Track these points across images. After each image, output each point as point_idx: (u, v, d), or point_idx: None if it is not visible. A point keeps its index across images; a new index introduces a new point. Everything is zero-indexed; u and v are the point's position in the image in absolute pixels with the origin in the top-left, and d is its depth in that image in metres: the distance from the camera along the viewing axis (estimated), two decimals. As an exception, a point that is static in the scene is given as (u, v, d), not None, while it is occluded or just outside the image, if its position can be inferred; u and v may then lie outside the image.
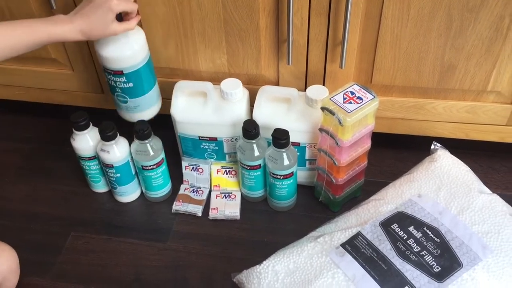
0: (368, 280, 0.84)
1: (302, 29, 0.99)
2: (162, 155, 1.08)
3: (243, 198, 1.14)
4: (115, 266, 1.03)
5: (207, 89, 1.06)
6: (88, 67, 1.15)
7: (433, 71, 1.02)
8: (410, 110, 1.09)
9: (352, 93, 0.96)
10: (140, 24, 1.05)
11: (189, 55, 1.09)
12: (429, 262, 0.85)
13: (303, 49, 1.03)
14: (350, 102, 0.94)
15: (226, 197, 1.14)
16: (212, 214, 1.11)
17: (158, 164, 1.07)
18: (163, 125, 1.16)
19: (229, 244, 1.06)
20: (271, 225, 1.10)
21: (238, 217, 1.10)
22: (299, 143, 1.06)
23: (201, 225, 1.10)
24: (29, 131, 1.35)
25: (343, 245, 0.89)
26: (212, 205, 1.12)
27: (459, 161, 1.02)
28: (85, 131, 1.06)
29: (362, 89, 0.96)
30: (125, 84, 1.03)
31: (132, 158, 1.08)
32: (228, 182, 1.16)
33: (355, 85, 0.98)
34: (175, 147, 1.18)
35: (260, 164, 1.06)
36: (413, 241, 0.88)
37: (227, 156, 1.15)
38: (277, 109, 1.06)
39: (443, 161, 1.00)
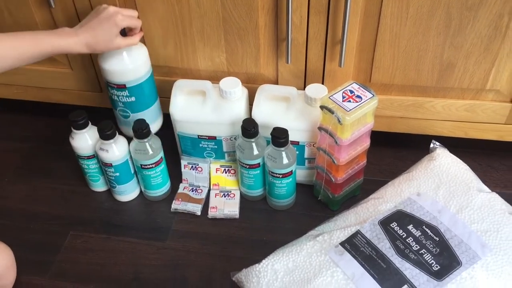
0: (367, 279, 0.84)
1: (301, 28, 0.99)
2: (161, 154, 1.08)
3: (242, 197, 1.14)
4: (114, 265, 1.03)
5: (206, 88, 1.06)
6: (86, 66, 1.15)
7: (432, 70, 1.02)
8: (409, 109, 1.09)
9: (351, 91, 0.96)
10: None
11: (188, 53, 1.09)
12: (428, 261, 0.85)
13: (302, 47, 1.03)
14: (349, 101, 0.94)
15: (225, 196, 1.14)
16: (211, 213, 1.11)
17: (157, 163, 1.07)
18: (162, 124, 1.17)
19: (228, 243, 1.06)
20: (270, 224, 1.10)
21: (237, 216, 1.10)
22: (298, 142, 1.06)
23: (200, 224, 1.10)
24: (28, 130, 1.35)
25: (342, 244, 0.89)
26: (211, 204, 1.12)
27: (458, 159, 1.02)
28: (84, 130, 1.06)
29: (361, 88, 0.96)
30: (127, 98, 1.06)
31: (131, 157, 1.08)
32: (227, 181, 1.16)
33: (354, 83, 0.97)
34: (174, 146, 1.18)
35: (259, 163, 1.06)
36: (412, 239, 0.88)
37: (226, 155, 1.15)
38: (276, 107, 1.06)
39: (442, 159, 1.00)
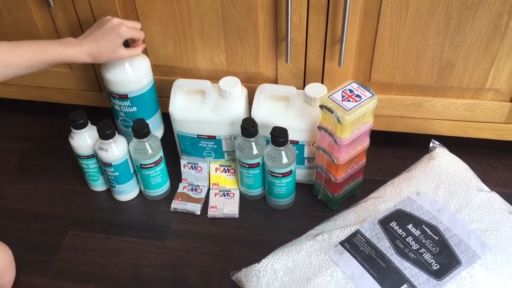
0: (366, 278, 0.84)
1: (301, 27, 0.99)
2: (160, 154, 1.07)
3: (242, 196, 1.14)
4: (113, 264, 1.03)
5: (206, 87, 1.05)
6: (86, 65, 1.15)
7: (431, 69, 1.02)
8: (408, 108, 1.09)
9: (351, 91, 0.96)
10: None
11: (187, 53, 1.09)
12: (428, 260, 0.85)
13: (301, 47, 1.03)
14: (349, 100, 0.94)
15: (224, 196, 1.14)
16: (211, 213, 1.11)
17: (156, 163, 1.07)
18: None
19: (228, 243, 1.06)
20: (270, 223, 1.10)
21: (237, 216, 1.10)
22: (297, 141, 1.06)
23: (200, 223, 1.10)
24: (28, 130, 1.35)
25: (341, 243, 0.89)
26: (210, 203, 1.12)
27: (458, 159, 1.02)
28: (83, 130, 1.06)
29: (360, 87, 0.96)
30: (129, 108, 1.08)
31: (130, 156, 1.08)
32: (227, 181, 1.16)
33: (354, 83, 0.97)
34: (174, 145, 1.18)
35: (258, 162, 1.06)
36: (411, 239, 0.88)
37: (225, 154, 1.15)
38: (275, 107, 1.06)
39: (442, 159, 1.00)
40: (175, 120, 1.10)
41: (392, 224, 0.90)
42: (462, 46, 0.97)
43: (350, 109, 0.93)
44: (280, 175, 1.03)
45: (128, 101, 1.08)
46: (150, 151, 1.05)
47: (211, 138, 1.11)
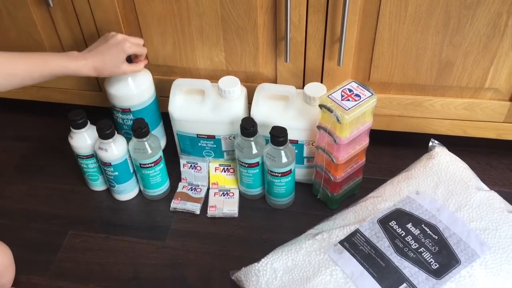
0: (366, 278, 0.84)
1: (300, 27, 0.99)
2: (160, 153, 1.07)
3: (241, 195, 1.14)
4: (113, 264, 1.03)
5: (205, 87, 1.06)
6: (85, 65, 1.15)
7: (431, 68, 1.02)
8: (408, 107, 1.09)
9: (350, 90, 0.96)
10: (137, 23, 1.05)
11: (186, 52, 1.09)
12: (427, 259, 0.85)
13: (301, 46, 1.03)
14: (348, 100, 0.94)
15: (224, 195, 1.14)
16: (210, 212, 1.11)
17: (156, 162, 1.07)
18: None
19: (228, 242, 1.06)
20: (269, 222, 1.10)
21: (236, 215, 1.10)
22: (297, 141, 1.06)
23: (200, 223, 1.10)
24: (28, 130, 1.34)
25: (341, 243, 0.89)
26: (210, 203, 1.12)
27: (457, 158, 1.02)
28: (82, 130, 1.06)
29: (360, 87, 0.96)
30: (132, 122, 1.08)
31: (130, 156, 1.08)
32: (226, 180, 1.16)
33: (353, 82, 0.98)
34: (173, 145, 1.18)
35: (258, 162, 1.06)
36: (411, 238, 0.88)
37: (225, 154, 1.15)
38: (275, 106, 1.06)
39: (441, 158, 1.01)
40: (175, 119, 1.10)
41: (392, 224, 0.90)
42: (461, 45, 0.97)
43: (349, 108, 0.93)
44: (280, 175, 1.04)
45: (131, 115, 1.10)
46: (149, 151, 1.05)
47: (211, 137, 1.11)
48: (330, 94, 0.95)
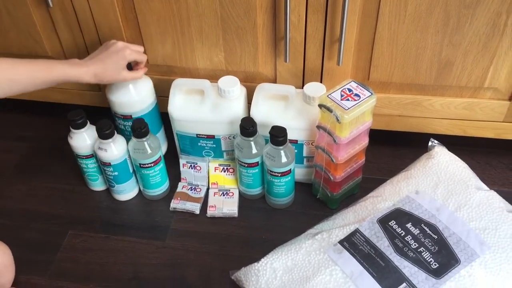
0: (366, 277, 0.84)
1: (299, 27, 0.99)
2: (159, 153, 1.07)
3: (241, 195, 1.14)
4: (113, 264, 1.03)
5: (205, 87, 1.06)
6: (85, 65, 1.15)
7: (430, 68, 1.02)
8: (407, 107, 1.09)
9: (350, 90, 0.96)
10: (137, 23, 1.05)
11: (186, 52, 1.09)
12: (427, 259, 0.85)
13: (300, 46, 1.03)
14: (348, 99, 0.94)
15: (224, 195, 1.14)
16: (210, 212, 1.11)
17: (155, 162, 1.07)
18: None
19: (227, 242, 1.06)
20: (269, 222, 1.10)
21: (236, 215, 1.10)
22: (296, 141, 1.06)
23: (199, 223, 1.10)
24: (27, 129, 1.35)
25: (341, 242, 0.89)
26: (210, 203, 1.12)
27: (457, 157, 1.02)
28: (82, 130, 1.06)
29: (359, 86, 0.96)
30: None
31: (129, 156, 1.08)
32: (226, 180, 1.16)
33: (353, 82, 0.98)
34: (173, 145, 1.18)
35: (257, 162, 1.06)
36: (410, 237, 0.88)
37: (224, 153, 1.15)
38: (274, 106, 1.06)
39: (441, 157, 1.01)
40: (174, 119, 1.10)
41: (391, 223, 0.90)
42: (460, 44, 0.97)
43: (349, 108, 0.93)
44: (279, 174, 1.04)
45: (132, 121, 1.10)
46: (149, 151, 1.05)
47: (210, 137, 1.11)
48: (330, 94, 0.95)
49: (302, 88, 1.04)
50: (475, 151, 1.20)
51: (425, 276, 0.83)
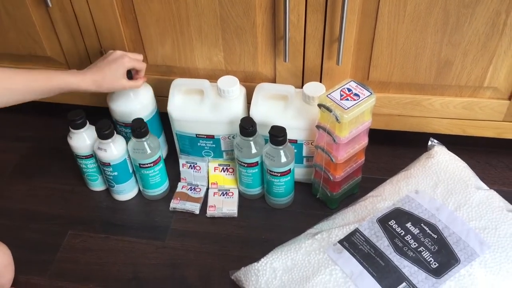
0: (366, 277, 0.84)
1: (299, 26, 0.99)
2: (159, 153, 1.07)
3: (241, 195, 1.14)
4: (113, 264, 1.03)
5: (204, 87, 1.05)
6: (84, 64, 1.14)
7: (430, 68, 1.02)
8: (407, 107, 1.09)
9: (349, 90, 0.96)
10: (136, 23, 1.05)
11: (185, 52, 1.09)
12: (427, 258, 0.85)
13: (299, 46, 1.03)
14: (347, 99, 0.94)
15: (223, 195, 1.14)
16: (210, 212, 1.11)
17: (155, 162, 1.07)
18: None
19: (227, 242, 1.06)
20: (269, 222, 1.10)
21: (236, 215, 1.10)
22: (296, 140, 1.06)
23: (199, 223, 1.10)
24: (27, 130, 1.34)
25: (340, 242, 0.89)
26: (209, 202, 1.12)
27: (456, 157, 1.02)
28: (82, 130, 1.06)
29: (359, 86, 0.96)
30: None
31: (129, 156, 1.08)
32: (226, 180, 1.16)
33: (352, 81, 0.98)
34: (173, 145, 1.18)
35: (257, 162, 1.06)
36: (410, 237, 0.88)
37: (224, 153, 1.15)
38: (274, 106, 1.06)
39: (440, 157, 1.01)
40: (174, 119, 1.10)
41: (391, 223, 0.90)
42: (460, 44, 0.97)
43: (348, 108, 0.93)
44: (279, 174, 1.03)
45: None
46: (148, 151, 1.05)
47: (210, 137, 1.11)
48: (329, 94, 0.95)
49: (302, 87, 1.04)
50: (475, 150, 1.20)
51: (425, 275, 0.83)
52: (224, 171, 1.16)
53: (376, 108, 1.02)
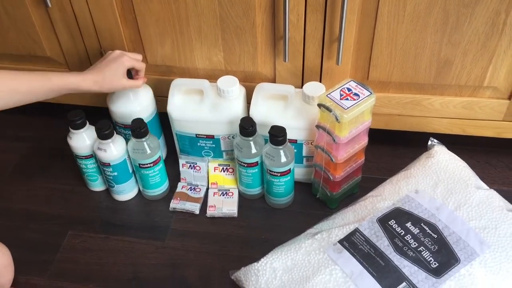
0: (366, 277, 0.84)
1: (298, 26, 0.99)
2: (159, 153, 1.07)
3: (241, 195, 1.14)
4: (113, 264, 1.03)
5: (204, 87, 1.05)
6: (83, 64, 1.15)
7: (429, 67, 1.02)
8: (407, 106, 1.09)
9: (349, 89, 0.96)
10: (136, 23, 1.05)
11: (185, 52, 1.09)
12: (427, 258, 0.85)
13: (299, 46, 1.03)
14: (347, 99, 0.94)
15: (223, 195, 1.14)
16: (210, 212, 1.11)
17: (155, 162, 1.07)
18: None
19: (227, 242, 1.06)
20: (269, 222, 1.10)
21: (236, 215, 1.10)
22: (296, 140, 1.06)
23: (199, 223, 1.10)
24: (27, 130, 1.34)
25: (340, 242, 0.89)
26: (209, 203, 1.12)
27: (456, 156, 1.02)
28: (81, 130, 1.06)
29: (358, 86, 0.96)
30: None
31: (129, 156, 1.08)
32: (226, 180, 1.16)
33: (352, 81, 0.97)
34: (173, 145, 1.18)
35: (257, 162, 1.06)
36: (410, 237, 0.88)
37: (224, 153, 1.15)
38: (274, 106, 1.06)
39: (440, 157, 1.01)
40: (174, 119, 1.10)
41: (391, 223, 0.90)
42: (460, 44, 0.97)
43: (348, 107, 0.93)
44: (279, 174, 1.03)
45: None
46: (148, 151, 1.05)
47: (210, 137, 1.11)
48: (329, 94, 0.95)
49: (302, 87, 1.04)
50: (475, 150, 1.20)
51: (425, 275, 0.83)
52: (224, 171, 1.16)
53: (376, 107, 1.02)
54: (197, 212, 1.11)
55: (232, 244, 1.06)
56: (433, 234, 0.88)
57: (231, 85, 1.05)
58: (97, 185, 1.16)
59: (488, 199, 0.93)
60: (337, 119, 0.93)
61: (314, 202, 1.12)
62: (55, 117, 1.33)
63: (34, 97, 0.94)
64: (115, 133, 1.05)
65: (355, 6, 0.94)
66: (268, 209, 1.12)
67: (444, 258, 0.85)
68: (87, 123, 1.07)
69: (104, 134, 1.03)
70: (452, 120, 1.10)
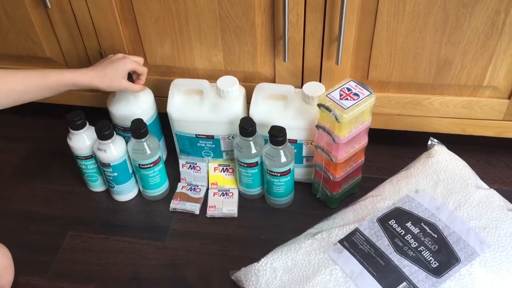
0: (366, 277, 0.84)
1: (298, 26, 0.99)
2: (159, 154, 1.07)
3: (241, 195, 1.14)
4: (113, 265, 1.03)
5: (204, 87, 1.05)
6: (83, 65, 1.15)
7: (429, 67, 1.02)
8: (406, 106, 1.09)
9: (349, 89, 0.96)
10: (136, 23, 1.05)
11: (185, 53, 1.09)
12: (427, 258, 0.85)
13: (299, 46, 1.03)
14: (347, 99, 0.94)
15: (223, 195, 1.14)
16: (210, 212, 1.11)
17: (155, 163, 1.07)
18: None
19: (227, 242, 1.06)
20: (269, 222, 1.10)
21: (236, 215, 1.10)
22: (296, 140, 1.06)
23: (199, 223, 1.10)
24: (27, 130, 1.35)
25: (340, 242, 0.89)
26: (209, 203, 1.12)
27: (456, 156, 1.02)
28: (81, 130, 1.06)
29: (358, 86, 0.96)
30: None
31: (129, 156, 1.08)
32: (226, 180, 1.16)
33: (352, 81, 0.97)
34: (172, 145, 1.18)
35: (257, 162, 1.06)
36: (410, 236, 0.88)
37: (224, 154, 1.15)
38: (273, 106, 1.06)
39: (440, 156, 1.00)
40: (173, 120, 1.10)
41: (391, 222, 0.90)
42: (459, 43, 0.97)
43: (348, 107, 0.93)
44: (279, 174, 1.03)
45: None
46: (148, 151, 1.05)
47: (210, 137, 1.11)
48: (329, 93, 0.95)
49: (301, 87, 1.04)
50: (475, 149, 1.20)
51: (425, 275, 0.83)
52: (224, 171, 1.16)
53: (375, 107, 1.02)
54: (197, 212, 1.11)
55: (232, 244, 1.06)
56: (433, 234, 0.88)
57: (231, 85, 1.05)
58: (97, 186, 1.16)
59: (488, 198, 0.93)
60: (337, 119, 0.93)
61: (314, 202, 1.12)
62: (55, 117, 1.33)
63: (32, 95, 0.94)
64: (115, 133, 1.05)
65: (354, 5, 0.94)
66: (268, 209, 1.12)
67: (444, 257, 0.85)
68: (87, 123, 1.07)
69: (104, 134, 1.02)
70: (452, 120, 1.10)
